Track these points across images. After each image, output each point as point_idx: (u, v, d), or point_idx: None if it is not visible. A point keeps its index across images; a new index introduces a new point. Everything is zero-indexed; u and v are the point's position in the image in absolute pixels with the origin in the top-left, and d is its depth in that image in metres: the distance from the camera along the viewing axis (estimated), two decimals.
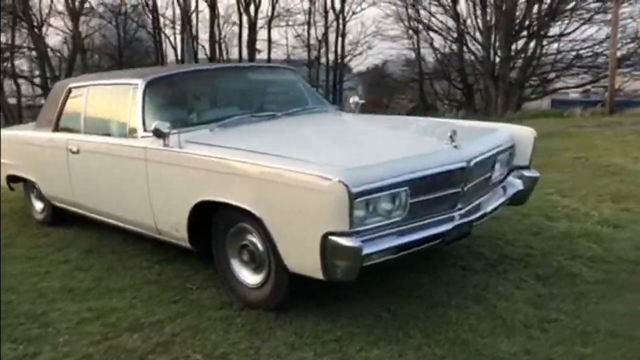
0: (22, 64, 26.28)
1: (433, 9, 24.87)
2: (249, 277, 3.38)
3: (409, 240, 3.01)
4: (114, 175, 4.06)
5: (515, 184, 3.87)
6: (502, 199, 3.69)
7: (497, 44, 22.58)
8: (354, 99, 4.73)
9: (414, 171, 2.98)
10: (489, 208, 3.51)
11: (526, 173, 3.92)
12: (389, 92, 29.06)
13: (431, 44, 26.07)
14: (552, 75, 24.38)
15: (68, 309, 3.50)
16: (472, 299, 3.47)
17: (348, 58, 29.35)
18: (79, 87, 4.71)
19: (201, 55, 25.95)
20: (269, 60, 26.31)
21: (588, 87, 24.83)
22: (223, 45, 26.95)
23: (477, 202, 3.47)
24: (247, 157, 3.15)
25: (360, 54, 28.77)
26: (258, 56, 26.27)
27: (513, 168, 3.93)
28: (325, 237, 2.74)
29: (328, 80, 27.38)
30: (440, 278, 3.76)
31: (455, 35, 24.91)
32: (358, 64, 30.46)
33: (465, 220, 3.28)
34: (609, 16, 18.40)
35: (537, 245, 4.32)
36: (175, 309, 3.44)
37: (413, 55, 27.35)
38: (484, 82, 23.87)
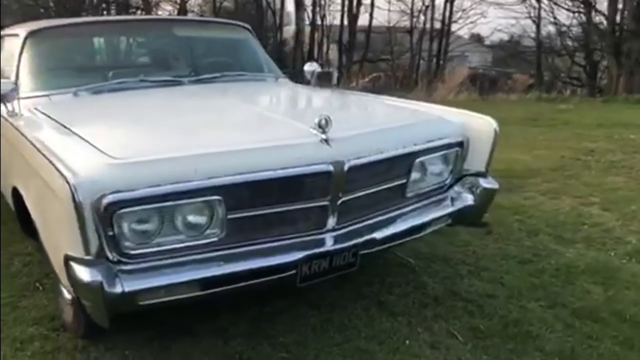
0: None
1: None
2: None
3: (224, 273, 2.07)
4: None
5: (463, 197, 2.72)
6: (430, 217, 2.59)
7: (625, 14, 19.56)
8: (309, 67, 3.72)
9: (233, 173, 2.01)
10: (400, 229, 2.45)
11: (481, 182, 2.75)
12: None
13: (552, 14, 23.25)
14: None
15: None
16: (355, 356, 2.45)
17: (458, 27, 27.15)
18: None
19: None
20: (369, 27, 24.89)
21: None
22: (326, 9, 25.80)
23: (373, 221, 2.40)
24: (41, 135, 2.34)
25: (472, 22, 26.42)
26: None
27: (464, 175, 2.77)
28: (66, 262, 1.89)
29: (431, 50, 25.40)
30: (335, 317, 2.74)
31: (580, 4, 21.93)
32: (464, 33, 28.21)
33: (342, 245, 2.24)
34: None
35: (509, 282, 3.12)
36: None
37: (530, 26, 24.62)
38: (607, 59, 20.93)
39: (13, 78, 3.17)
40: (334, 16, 25.94)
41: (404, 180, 2.48)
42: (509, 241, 3.73)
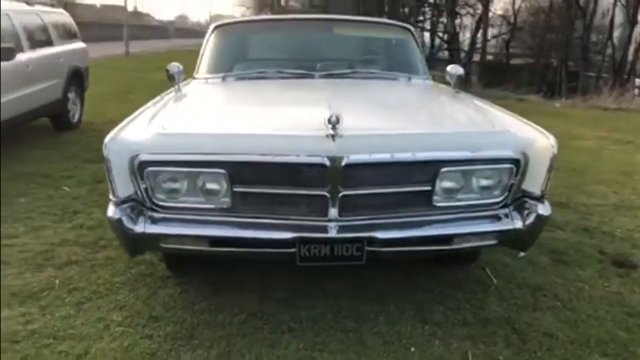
0: None
1: None
2: None
3: (232, 235, 2.46)
4: None
5: (510, 219, 2.53)
6: (456, 231, 2.51)
7: None
8: (452, 69, 3.74)
9: (236, 153, 2.38)
10: (412, 234, 2.46)
11: (533, 207, 2.51)
12: None
13: None
14: None
15: None
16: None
17: None
18: None
19: None
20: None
21: None
22: None
23: (384, 221, 2.47)
24: None
25: None
26: None
27: (522, 195, 2.56)
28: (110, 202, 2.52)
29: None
30: (373, 310, 2.86)
31: None
32: None
33: (342, 236, 2.41)
34: None
35: (585, 329, 2.74)
36: None
37: None
38: None
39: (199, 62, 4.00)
40: None
41: (427, 188, 2.45)
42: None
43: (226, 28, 4.15)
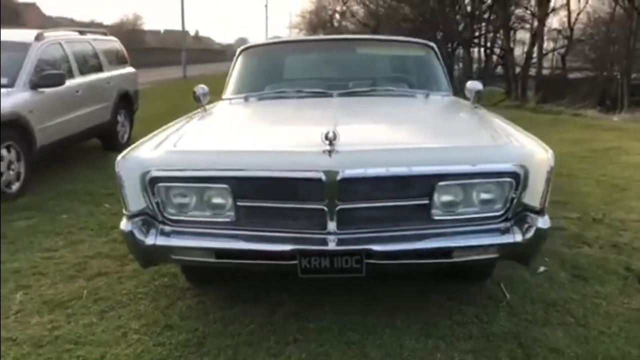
0: None
1: None
2: None
3: (236, 247, 2.58)
4: None
5: (511, 233, 2.54)
6: (456, 244, 2.53)
7: None
8: (471, 85, 3.78)
9: (238, 169, 2.51)
10: (409, 247, 2.51)
11: (533, 220, 2.51)
12: None
13: None
14: None
15: None
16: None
17: None
18: None
19: None
20: None
21: None
22: None
23: (382, 234, 2.53)
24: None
25: None
26: None
27: (523, 209, 2.56)
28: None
29: None
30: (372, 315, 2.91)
31: None
32: None
33: (339, 248, 2.49)
34: None
35: (596, 345, 2.69)
36: None
37: None
38: None
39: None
40: None
41: (425, 201, 2.50)
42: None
43: (252, 51, 4.33)
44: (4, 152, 4.98)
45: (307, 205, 2.49)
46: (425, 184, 2.47)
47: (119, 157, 2.63)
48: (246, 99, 3.87)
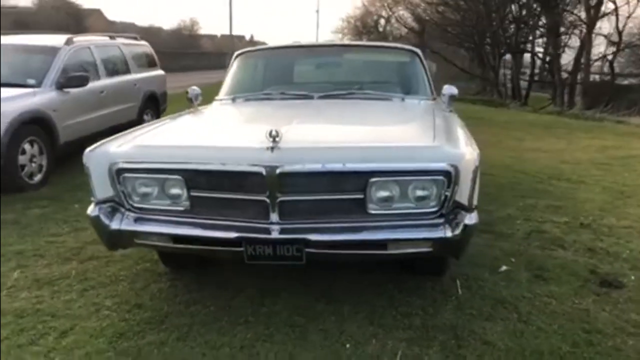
0: None
1: None
2: None
3: (189, 234, 2.83)
4: None
5: (441, 228, 2.68)
6: (389, 236, 2.70)
7: None
8: (446, 89, 3.92)
9: (189, 162, 2.76)
10: (345, 238, 2.70)
11: (460, 217, 2.66)
12: None
13: None
14: None
15: None
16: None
17: None
18: None
19: None
20: None
21: None
22: None
23: (320, 225, 2.72)
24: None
25: None
26: None
27: (456, 206, 2.71)
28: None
29: None
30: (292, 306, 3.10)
31: None
32: None
33: (279, 237, 2.71)
34: None
35: (538, 343, 2.80)
36: None
37: None
38: None
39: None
40: None
41: (360, 196, 2.68)
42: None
43: (246, 55, 4.60)
44: (27, 146, 5.42)
45: (251, 197, 2.72)
46: (359, 179, 2.65)
47: (87, 150, 2.92)
48: (234, 100, 4.14)
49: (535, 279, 3.50)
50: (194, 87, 4.11)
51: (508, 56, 25.51)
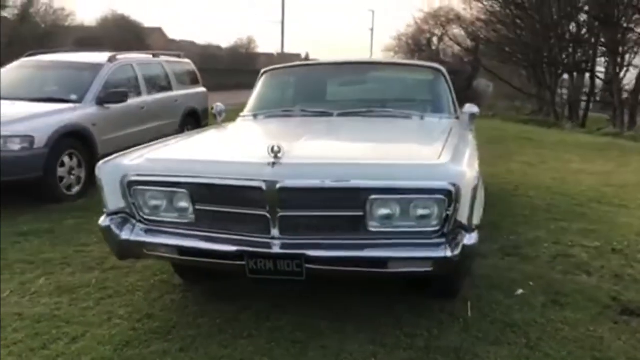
0: None
1: None
2: None
3: (194, 246, 2.90)
4: None
5: (442, 248, 2.65)
6: (389, 255, 2.69)
7: None
8: (467, 108, 3.90)
9: (194, 175, 2.84)
10: (343, 255, 2.71)
11: (460, 237, 2.61)
12: None
13: None
14: None
15: None
16: None
17: None
18: None
19: None
20: None
21: None
22: None
23: (321, 241, 2.74)
24: None
25: None
26: None
27: (458, 226, 2.67)
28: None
29: None
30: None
31: None
32: None
33: (280, 252, 2.74)
34: None
35: None
36: None
37: None
38: None
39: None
40: None
41: (360, 213, 2.68)
42: None
43: (272, 72, 4.69)
44: (67, 159, 5.68)
45: (252, 211, 2.76)
46: (359, 196, 2.65)
47: (100, 163, 3.04)
48: (255, 116, 4.22)
49: (552, 304, 3.38)
50: (219, 104, 4.23)
51: (566, 75, 24.81)
